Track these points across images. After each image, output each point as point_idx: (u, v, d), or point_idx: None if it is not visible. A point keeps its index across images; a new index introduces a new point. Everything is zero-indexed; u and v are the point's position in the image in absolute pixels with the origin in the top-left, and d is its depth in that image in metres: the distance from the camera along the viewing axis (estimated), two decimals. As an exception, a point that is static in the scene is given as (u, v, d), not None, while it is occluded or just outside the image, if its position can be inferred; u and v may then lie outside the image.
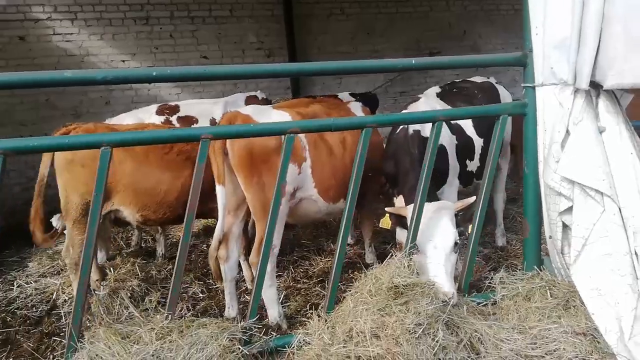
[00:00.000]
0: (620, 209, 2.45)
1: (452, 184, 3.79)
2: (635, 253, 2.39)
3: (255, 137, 2.82)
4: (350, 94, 5.48)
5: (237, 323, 2.43)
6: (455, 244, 2.78)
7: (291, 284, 3.74)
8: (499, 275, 2.94)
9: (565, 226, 2.67)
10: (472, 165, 3.86)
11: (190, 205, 2.27)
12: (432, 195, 3.21)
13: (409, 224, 2.75)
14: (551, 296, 2.71)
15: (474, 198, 2.90)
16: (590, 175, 2.45)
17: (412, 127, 3.39)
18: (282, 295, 3.43)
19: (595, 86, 2.51)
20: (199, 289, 3.59)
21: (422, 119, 2.80)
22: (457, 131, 3.70)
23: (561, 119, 2.56)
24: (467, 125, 3.65)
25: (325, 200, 3.37)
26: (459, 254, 2.94)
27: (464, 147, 3.70)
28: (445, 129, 3.66)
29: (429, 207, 2.87)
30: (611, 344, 2.36)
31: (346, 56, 7.95)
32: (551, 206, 2.71)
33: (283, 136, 2.61)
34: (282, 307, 3.23)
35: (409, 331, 2.17)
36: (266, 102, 4.89)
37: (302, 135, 3.23)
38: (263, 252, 2.47)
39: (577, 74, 2.43)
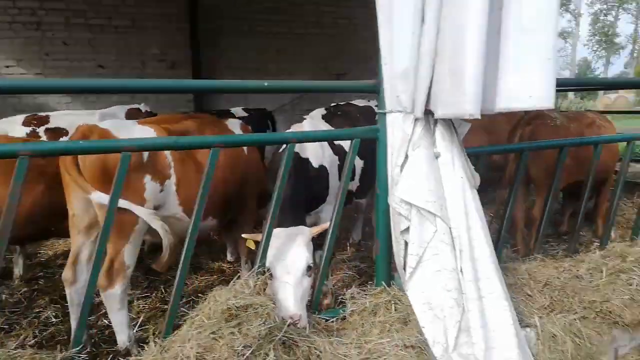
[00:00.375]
0: (450, 229, 2.63)
1: (332, 202, 3.90)
2: (461, 270, 2.57)
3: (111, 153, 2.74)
4: (244, 110, 5.51)
5: (58, 353, 2.30)
6: (309, 267, 2.85)
7: (158, 305, 3.63)
8: (351, 290, 3.04)
9: (406, 244, 2.82)
10: (353, 185, 4.00)
11: (2, 227, 2.14)
12: (299, 217, 3.28)
13: (259, 246, 2.79)
14: (395, 310, 2.84)
15: (327, 224, 2.99)
16: (423, 197, 2.60)
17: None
18: (145, 317, 3.32)
19: (432, 115, 2.69)
20: (53, 313, 3.38)
21: (275, 140, 2.87)
22: (339, 152, 3.83)
23: (402, 144, 2.72)
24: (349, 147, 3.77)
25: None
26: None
27: (346, 168, 3.83)
28: (328, 150, 3.79)
29: (285, 232, 2.93)
30: (437, 356, 2.51)
31: (255, 73, 8.00)
32: (395, 225, 2.85)
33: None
34: (141, 330, 3.13)
35: (237, 354, 2.17)
36: (149, 115, 4.76)
37: (167, 152, 3.19)
38: (92, 273, 2.36)
39: (414, 103, 2.59)
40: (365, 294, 3.02)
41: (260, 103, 8.02)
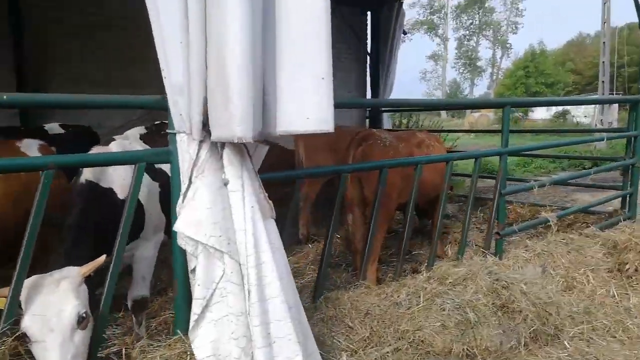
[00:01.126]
0: (240, 266, 2.33)
1: (151, 238, 3.45)
2: (249, 313, 2.27)
3: None
4: (61, 126, 4.82)
5: None
6: (82, 318, 2.33)
7: None
8: (141, 343, 2.61)
9: (199, 286, 2.46)
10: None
11: None
12: (82, 259, 2.73)
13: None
14: (190, 363, 2.47)
15: (104, 257, 2.52)
16: (206, 231, 2.28)
17: (84, 175, 2.94)
18: None
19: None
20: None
21: (27, 166, 2.33)
22: (161, 177, 3.38)
23: (187, 170, 2.38)
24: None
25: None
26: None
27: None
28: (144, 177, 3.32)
29: (43, 278, 2.38)
30: (221, 418, 2.18)
31: (98, 85, 7.17)
32: (188, 263, 2.49)
33: None
34: None
35: None
36: None
37: None
38: None
39: (191, 123, 2.27)
40: (159, 346, 2.61)
41: (107, 118, 7.29)
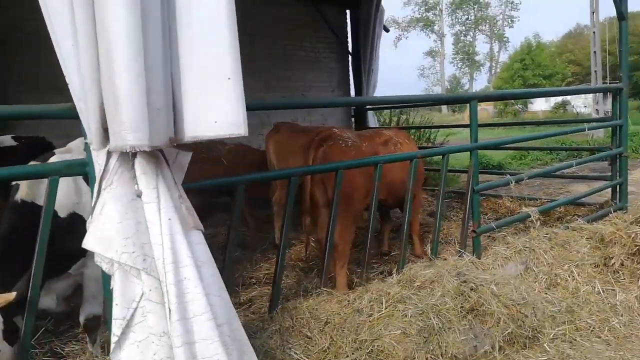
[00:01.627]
0: (160, 283, 2.13)
1: None
2: (170, 334, 2.07)
3: None
4: (13, 138, 4.67)
5: None
6: None
7: None
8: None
9: (123, 306, 2.26)
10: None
11: None
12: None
13: None
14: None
15: (14, 294, 2.33)
16: (118, 247, 2.08)
17: (18, 194, 2.79)
18: None
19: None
20: None
21: None
22: None
23: (96, 181, 2.18)
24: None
25: None
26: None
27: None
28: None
29: None
30: None
31: (59, 93, 7.00)
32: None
33: None
34: None
35: None
36: None
37: None
38: None
39: (91, 131, 2.08)
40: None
41: (74, 127, 7.08)
